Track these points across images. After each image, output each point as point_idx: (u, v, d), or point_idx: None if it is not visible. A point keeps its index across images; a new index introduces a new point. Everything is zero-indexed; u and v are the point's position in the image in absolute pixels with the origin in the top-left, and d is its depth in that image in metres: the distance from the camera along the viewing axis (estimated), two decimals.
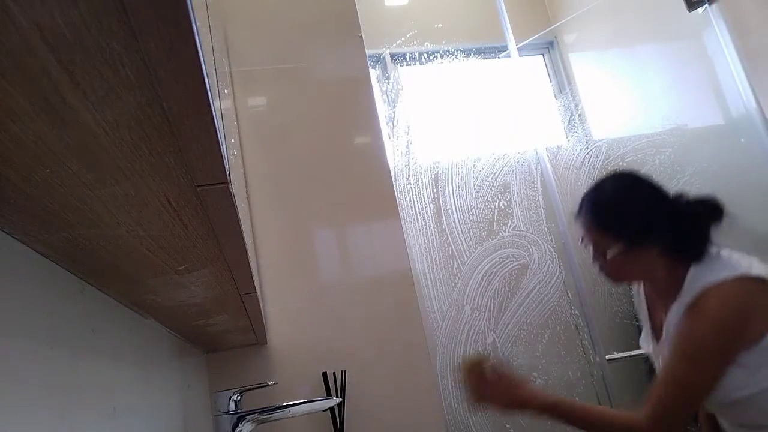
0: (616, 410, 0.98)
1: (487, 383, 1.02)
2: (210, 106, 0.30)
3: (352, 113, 1.58)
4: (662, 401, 0.92)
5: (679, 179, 1.87)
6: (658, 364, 1.06)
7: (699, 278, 0.92)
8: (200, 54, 0.26)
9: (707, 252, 0.95)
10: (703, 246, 0.95)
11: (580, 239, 1.06)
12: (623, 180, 1.04)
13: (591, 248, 1.03)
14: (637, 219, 0.98)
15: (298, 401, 0.96)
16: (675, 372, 0.92)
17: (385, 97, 2.12)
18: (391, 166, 1.57)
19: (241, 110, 1.51)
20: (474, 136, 2.15)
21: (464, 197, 2.04)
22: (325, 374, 1.33)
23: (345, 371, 1.34)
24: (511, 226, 2.03)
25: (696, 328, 0.90)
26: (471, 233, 1.99)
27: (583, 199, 1.05)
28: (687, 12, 1.77)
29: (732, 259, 0.93)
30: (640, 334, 1.14)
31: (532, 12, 2.45)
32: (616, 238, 0.99)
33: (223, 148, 0.36)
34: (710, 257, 0.94)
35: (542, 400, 1.00)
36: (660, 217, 0.97)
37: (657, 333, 1.06)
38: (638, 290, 1.13)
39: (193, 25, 0.25)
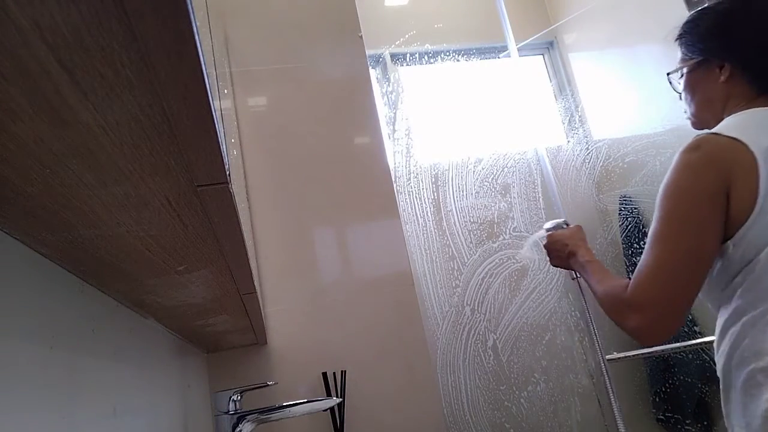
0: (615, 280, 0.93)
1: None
2: (210, 106, 0.30)
3: (352, 113, 1.58)
4: (643, 272, 0.81)
5: None
6: None
7: None
8: (200, 54, 0.26)
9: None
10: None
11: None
12: None
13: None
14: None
15: (298, 401, 0.96)
16: (652, 233, 0.82)
17: (385, 97, 2.12)
18: (391, 167, 1.56)
19: (241, 110, 1.51)
20: (474, 137, 2.15)
21: (464, 198, 2.03)
22: (325, 374, 1.33)
23: (345, 371, 1.34)
24: (511, 227, 2.03)
25: (664, 184, 0.84)
26: (471, 234, 1.99)
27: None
28: (687, 12, 1.77)
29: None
30: None
31: (532, 12, 2.45)
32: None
33: (223, 148, 0.36)
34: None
35: (583, 257, 1.10)
36: None
37: None
38: None
39: (193, 25, 0.25)
